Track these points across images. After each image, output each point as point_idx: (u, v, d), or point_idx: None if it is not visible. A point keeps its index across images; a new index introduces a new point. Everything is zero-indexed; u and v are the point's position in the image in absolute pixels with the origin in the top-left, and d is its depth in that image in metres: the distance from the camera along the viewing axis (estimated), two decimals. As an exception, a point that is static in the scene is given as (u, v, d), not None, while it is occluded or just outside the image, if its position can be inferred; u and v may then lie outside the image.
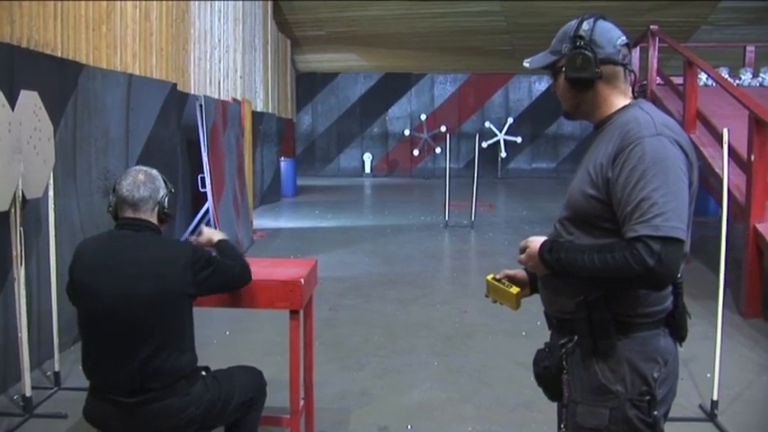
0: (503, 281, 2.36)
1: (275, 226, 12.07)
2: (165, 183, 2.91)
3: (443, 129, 22.35)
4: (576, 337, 2.09)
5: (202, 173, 8.14)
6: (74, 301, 2.82)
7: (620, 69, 2.10)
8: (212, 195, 8.07)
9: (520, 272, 2.38)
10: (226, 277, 2.95)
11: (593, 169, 2.01)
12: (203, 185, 8.13)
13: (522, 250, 2.14)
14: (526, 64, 2.24)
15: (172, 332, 2.73)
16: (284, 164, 16.83)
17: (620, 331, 2.00)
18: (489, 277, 2.39)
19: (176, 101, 8.12)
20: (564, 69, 2.11)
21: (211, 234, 3.20)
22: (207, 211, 8.34)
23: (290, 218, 13.29)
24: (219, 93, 10.86)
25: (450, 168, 12.39)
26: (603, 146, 2.02)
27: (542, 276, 2.18)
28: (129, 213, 2.81)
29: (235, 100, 11.35)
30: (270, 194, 15.38)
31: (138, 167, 2.90)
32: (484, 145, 22.23)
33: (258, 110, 14.14)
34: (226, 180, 8.82)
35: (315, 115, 24.28)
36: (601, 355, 2.03)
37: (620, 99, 2.11)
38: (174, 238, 3.03)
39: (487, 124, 23.23)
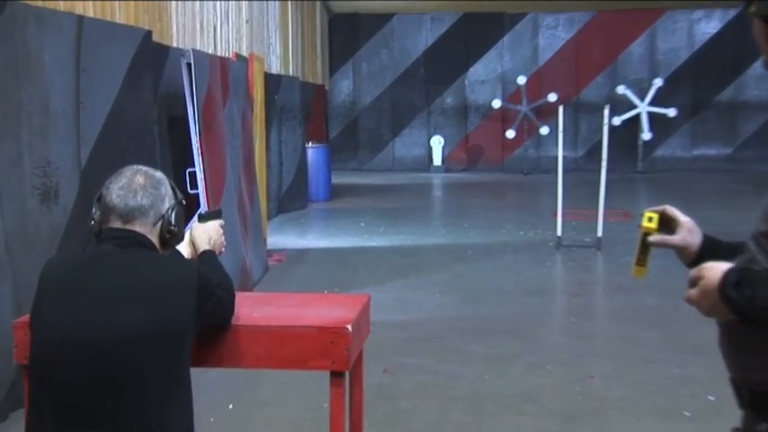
0: (650, 238, 2.49)
1: (300, 245, 12.22)
2: (173, 191, 3.04)
3: (553, 98, 22.25)
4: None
5: (192, 166, 8.18)
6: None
7: None
8: (207, 199, 8.11)
9: (687, 225, 2.45)
10: (220, 313, 3.06)
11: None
12: (193, 185, 8.17)
13: (693, 283, 2.13)
14: None
15: (159, 385, 2.76)
16: (313, 152, 17.01)
17: None
18: (645, 220, 2.50)
19: (151, 57, 8.22)
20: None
21: (199, 239, 3.28)
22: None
23: (321, 233, 13.45)
24: (216, 46, 10.97)
25: (563, 158, 12.37)
26: None
27: (726, 323, 2.16)
28: (116, 224, 2.90)
29: (239, 56, 11.44)
30: (292, 198, 15.58)
31: (136, 167, 3.02)
32: (616, 122, 22.07)
33: (274, 71, 14.25)
34: (227, 177, 8.87)
35: (357, 79, 24.44)
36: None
37: None
38: (175, 254, 3.11)
39: (622, 90, 23.09)
